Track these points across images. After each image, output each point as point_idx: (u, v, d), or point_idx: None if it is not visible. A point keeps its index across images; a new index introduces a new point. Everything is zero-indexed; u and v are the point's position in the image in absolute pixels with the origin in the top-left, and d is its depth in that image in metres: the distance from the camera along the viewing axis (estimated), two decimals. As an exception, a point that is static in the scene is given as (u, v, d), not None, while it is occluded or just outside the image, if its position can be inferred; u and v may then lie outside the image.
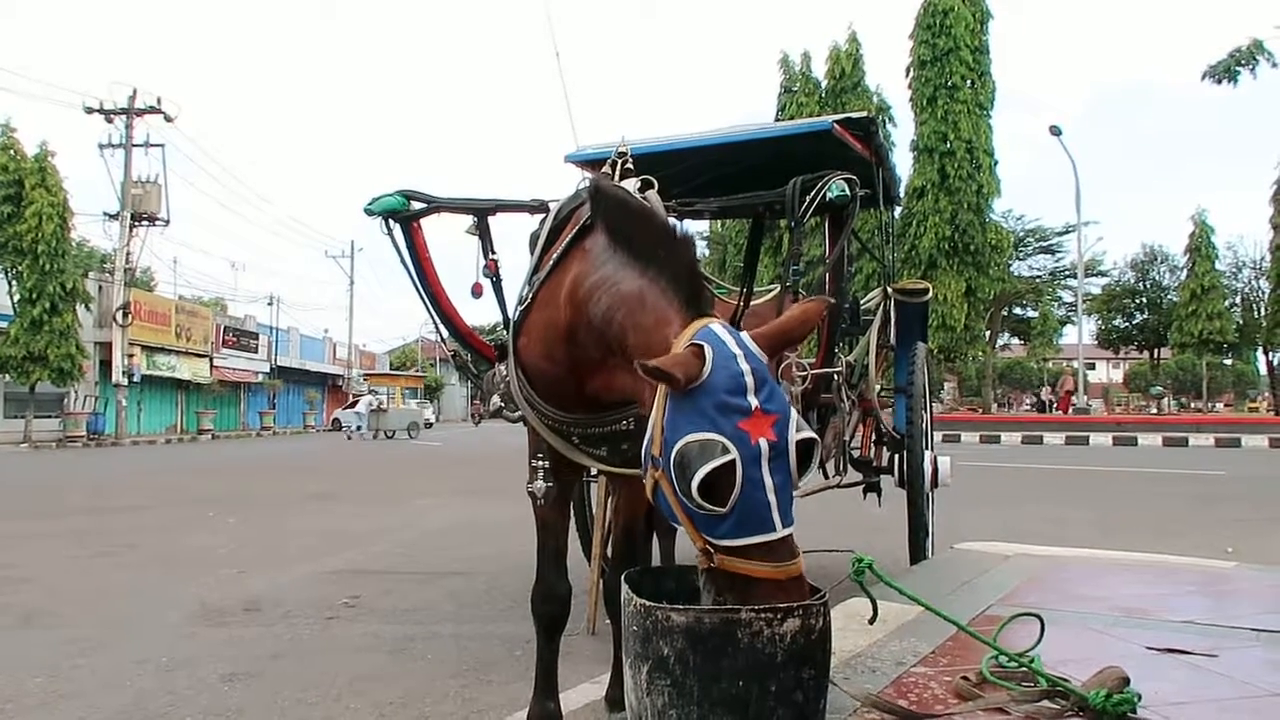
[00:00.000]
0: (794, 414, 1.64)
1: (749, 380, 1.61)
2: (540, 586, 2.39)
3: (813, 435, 1.65)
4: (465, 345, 3.00)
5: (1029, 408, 41.53)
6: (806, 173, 2.84)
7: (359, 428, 30.08)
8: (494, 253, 2.64)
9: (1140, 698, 1.81)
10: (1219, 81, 11.16)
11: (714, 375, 1.61)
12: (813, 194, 2.73)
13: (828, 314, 3.20)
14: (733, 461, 1.55)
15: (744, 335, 1.70)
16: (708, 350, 1.64)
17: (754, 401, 1.60)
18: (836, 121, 3.67)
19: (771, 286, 4.35)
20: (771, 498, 1.56)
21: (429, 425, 35.56)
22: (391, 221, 2.66)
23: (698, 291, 1.81)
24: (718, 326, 1.71)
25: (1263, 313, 36.63)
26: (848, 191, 2.71)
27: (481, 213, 2.68)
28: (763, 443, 1.57)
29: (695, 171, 4.07)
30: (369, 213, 2.64)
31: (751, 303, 3.44)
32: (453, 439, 28.04)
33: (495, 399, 2.52)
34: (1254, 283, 38.94)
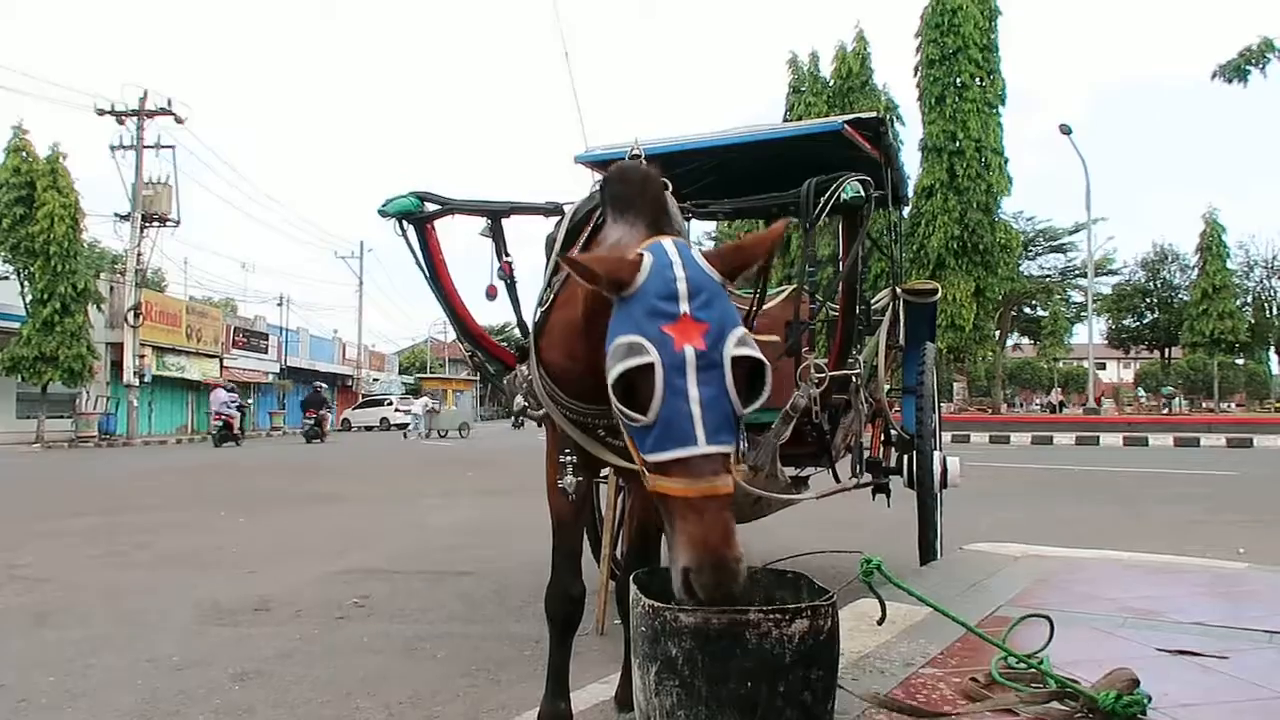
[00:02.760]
0: (740, 331, 1.61)
1: (681, 287, 1.59)
2: (555, 587, 2.39)
3: (758, 355, 1.61)
4: (478, 347, 3.01)
5: (1038, 407, 41.35)
6: (816, 173, 2.83)
7: (416, 427, 30.77)
8: (508, 255, 2.65)
9: (1150, 699, 1.81)
10: (1229, 81, 11.08)
11: (648, 282, 1.61)
12: (827, 195, 2.72)
13: (843, 315, 3.20)
14: (651, 365, 1.53)
15: (695, 251, 1.70)
16: (647, 258, 1.63)
17: (684, 308, 1.58)
18: (846, 122, 3.66)
19: (782, 287, 4.34)
20: (695, 409, 1.53)
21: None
22: (406, 223, 2.67)
23: (658, 217, 1.84)
24: (668, 241, 1.71)
25: (1275, 312, 36.50)
26: (862, 192, 2.70)
27: (495, 215, 2.68)
28: (688, 350, 1.54)
29: (706, 171, 4.07)
30: (383, 214, 2.65)
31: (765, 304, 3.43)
32: (463, 439, 28.12)
33: (518, 399, 2.52)
34: (1266, 282, 38.79)
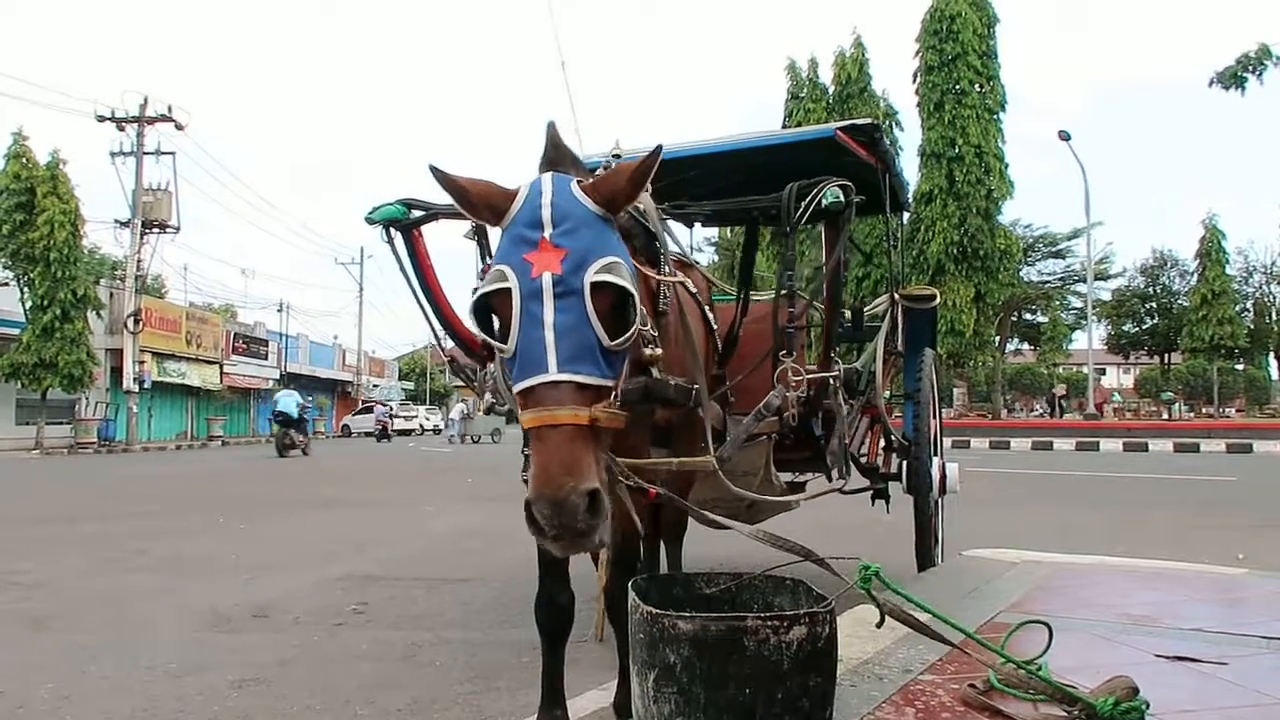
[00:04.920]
0: (606, 260, 1.60)
1: (546, 214, 1.60)
2: (541, 595, 2.39)
3: (621, 283, 1.60)
4: (470, 352, 3.00)
5: (1039, 413, 41.24)
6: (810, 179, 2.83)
7: (453, 433, 31.61)
8: (491, 258, 2.65)
9: (1148, 706, 1.80)
10: (1226, 89, 11.06)
11: (520, 211, 1.63)
12: (807, 200, 2.73)
13: (826, 319, 3.20)
14: (509, 290, 1.53)
15: (574, 184, 1.71)
16: (523, 189, 1.66)
17: (545, 233, 1.58)
18: (840, 128, 3.66)
19: (771, 291, 4.35)
20: (549, 336, 1.52)
21: (437, 432, 39.60)
22: (392, 230, 2.67)
23: (552, 157, 1.91)
24: (549, 175, 1.73)
25: (1274, 318, 36.50)
26: (842, 198, 2.71)
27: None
28: (546, 276, 1.54)
29: (699, 179, 4.08)
30: (370, 222, 2.65)
31: (756, 306, 3.43)
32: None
33: (487, 395, 2.54)
34: (1265, 288, 38.80)
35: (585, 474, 1.49)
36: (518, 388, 1.55)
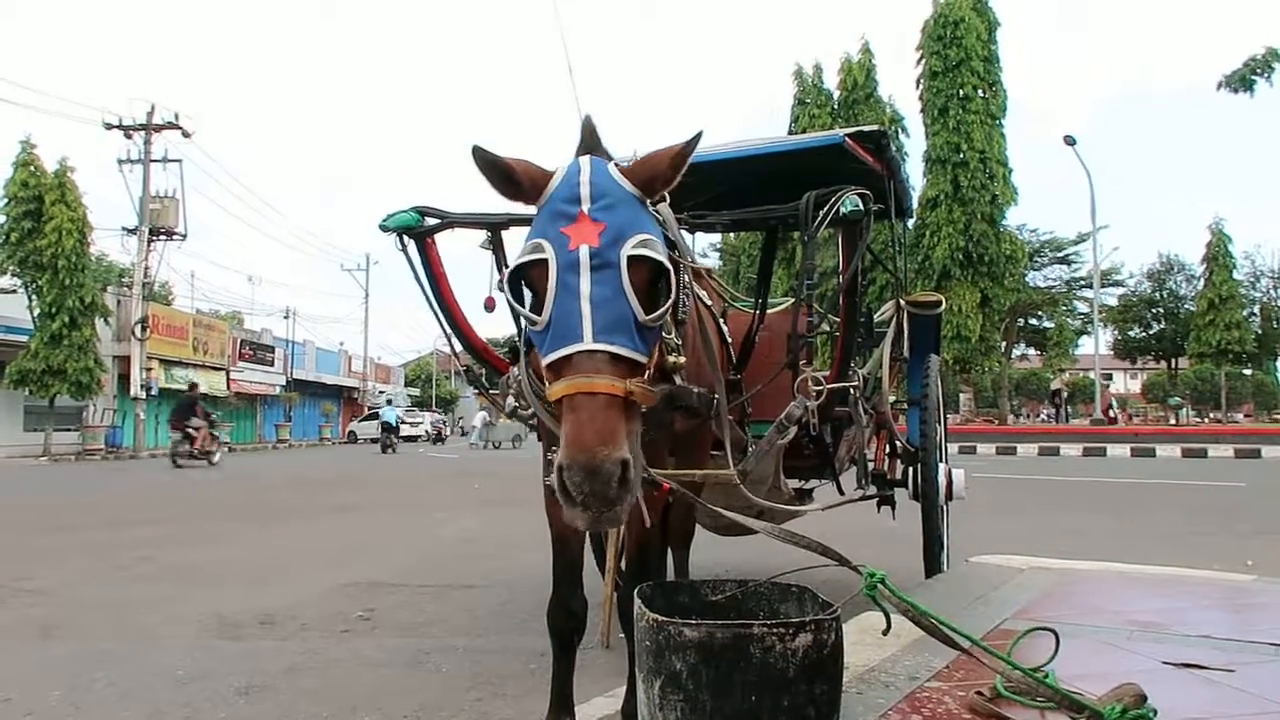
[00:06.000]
0: (642, 236, 1.62)
1: (584, 190, 1.63)
2: (555, 601, 2.40)
3: (658, 258, 1.62)
4: (479, 360, 3.01)
5: (1045, 418, 41.06)
6: (818, 185, 2.83)
7: (475, 438, 32.25)
8: (508, 266, 2.66)
9: (1156, 713, 1.80)
10: (1235, 91, 11.02)
11: (558, 189, 1.67)
12: (826, 209, 2.73)
13: (844, 328, 3.20)
14: (545, 261, 1.55)
15: (611, 166, 1.74)
16: (561, 169, 1.69)
17: (583, 208, 1.60)
18: (848, 135, 3.66)
19: (784, 299, 4.35)
20: (585, 307, 1.53)
21: (442, 439, 40.47)
22: (406, 238, 2.68)
23: (585, 145, 1.94)
24: (586, 157, 1.76)
25: (1282, 322, 36.30)
26: (861, 206, 2.71)
27: (495, 227, 2.69)
28: (583, 249, 1.56)
29: (708, 185, 4.08)
30: (384, 229, 2.66)
31: (767, 314, 3.42)
32: (468, 453, 28.17)
33: (510, 400, 2.55)
34: (1272, 292, 38.65)
35: (619, 443, 1.49)
36: (552, 357, 1.56)
